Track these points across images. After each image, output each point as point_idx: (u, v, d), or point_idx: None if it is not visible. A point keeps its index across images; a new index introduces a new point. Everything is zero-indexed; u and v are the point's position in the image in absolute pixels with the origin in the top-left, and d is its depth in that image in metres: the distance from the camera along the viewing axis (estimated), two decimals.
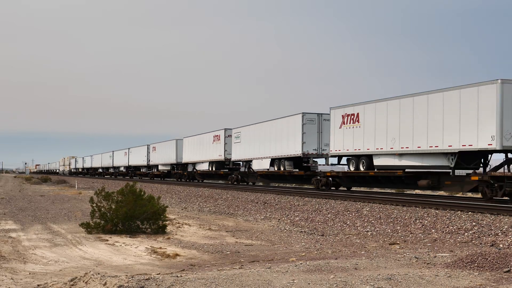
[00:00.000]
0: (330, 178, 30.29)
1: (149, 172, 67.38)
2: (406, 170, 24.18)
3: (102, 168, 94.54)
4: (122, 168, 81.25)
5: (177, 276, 8.13)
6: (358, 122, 27.09)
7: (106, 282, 7.52)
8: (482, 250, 11.02)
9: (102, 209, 15.65)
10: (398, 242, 13.81)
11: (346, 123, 28.05)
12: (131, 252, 12.35)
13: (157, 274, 8.41)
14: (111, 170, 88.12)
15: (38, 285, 8.47)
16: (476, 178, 20.45)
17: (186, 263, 10.79)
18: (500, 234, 13.72)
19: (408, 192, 23.74)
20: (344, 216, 18.94)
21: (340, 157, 29.48)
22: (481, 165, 21.75)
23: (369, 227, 16.66)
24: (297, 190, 31.11)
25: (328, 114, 29.86)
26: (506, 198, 19.72)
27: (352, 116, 27.57)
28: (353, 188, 31.02)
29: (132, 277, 7.93)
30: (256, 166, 38.76)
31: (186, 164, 53.86)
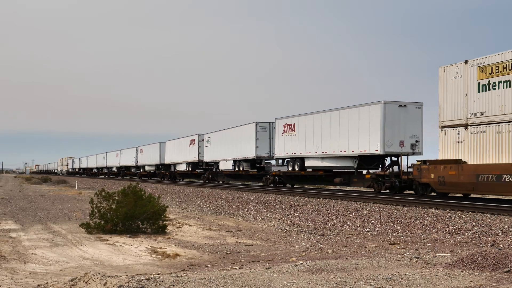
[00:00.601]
0: (276, 177, 36.77)
1: (137, 172, 73.76)
2: (325, 169, 30.93)
3: (97, 168, 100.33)
4: (114, 169, 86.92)
5: (177, 276, 8.13)
6: (294, 131, 33.48)
7: (106, 282, 7.52)
8: (482, 250, 11.02)
9: (102, 209, 15.65)
10: (398, 242, 13.81)
11: (286, 132, 34.56)
12: (131, 252, 12.36)
13: (157, 274, 8.41)
14: (105, 170, 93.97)
15: (38, 285, 8.47)
16: (368, 176, 26.96)
17: (186, 263, 10.79)
18: (500, 234, 13.72)
19: (408, 192, 25.12)
20: (345, 216, 18.95)
21: (283, 159, 35.55)
22: (380, 165, 27.38)
23: (369, 227, 16.67)
24: (296, 190, 31.21)
25: None
26: (388, 191, 25.57)
27: (290, 126, 34.05)
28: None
29: (132, 277, 7.93)
30: (222, 166, 44.71)
31: (169, 165, 59.80)
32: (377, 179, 26.08)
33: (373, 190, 26.40)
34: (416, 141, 26.00)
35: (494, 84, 19.15)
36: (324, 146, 30.13)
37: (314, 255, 11.54)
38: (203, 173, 49.80)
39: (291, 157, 34.04)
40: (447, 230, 14.91)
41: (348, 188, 33.40)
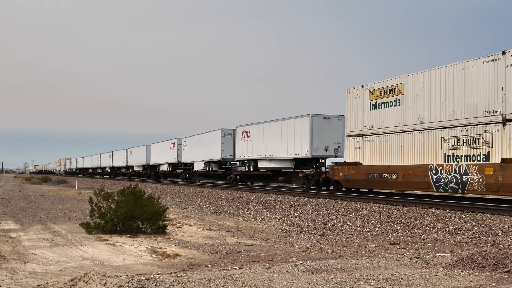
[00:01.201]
0: (238, 176, 43.12)
1: (127, 172, 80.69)
2: (272, 170, 36.92)
3: (92, 168, 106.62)
4: (107, 169, 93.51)
5: (177, 276, 8.13)
6: (250, 137, 39.86)
7: (106, 282, 7.52)
8: (482, 250, 11.02)
9: (102, 209, 15.64)
10: (398, 242, 13.81)
11: (244, 138, 40.86)
12: (131, 252, 12.35)
13: (157, 274, 8.41)
14: (99, 170, 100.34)
15: (38, 285, 8.47)
16: (301, 175, 33.05)
17: (186, 263, 10.79)
18: (500, 234, 13.72)
19: (408, 192, 25.57)
20: (344, 216, 18.94)
21: (242, 161, 42.01)
22: (314, 166, 32.58)
23: (369, 227, 16.67)
24: (296, 190, 31.24)
25: None
26: (314, 187, 31.25)
27: (247, 133, 40.36)
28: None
29: (132, 277, 7.93)
30: (196, 167, 51.50)
31: (154, 165, 66.72)
32: (307, 177, 32.17)
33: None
34: (338, 147, 32.27)
35: (379, 104, 24.92)
36: (271, 150, 36.50)
37: (314, 255, 11.54)
38: (182, 172, 56.65)
39: (247, 159, 40.54)
40: (447, 230, 14.91)
41: (288, 185, 39.28)
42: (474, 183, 19.55)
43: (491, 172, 18.75)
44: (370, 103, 25.46)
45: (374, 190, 27.66)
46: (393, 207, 19.79)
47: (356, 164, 26.04)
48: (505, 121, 18.52)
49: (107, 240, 14.03)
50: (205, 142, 48.37)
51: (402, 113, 23.47)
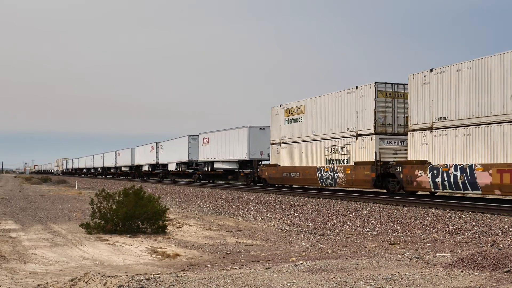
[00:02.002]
0: (201, 175, 51.14)
1: (116, 172, 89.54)
2: (224, 170, 45.18)
3: (86, 168, 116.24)
4: (99, 169, 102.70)
5: (177, 276, 8.13)
6: (208, 143, 48.11)
7: (106, 282, 7.52)
8: (482, 250, 11.02)
9: (102, 209, 15.65)
10: (398, 242, 13.81)
11: (204, 143, 49.09)
12: (131, 252, 12.35)
13: (157, 274, 8.41)
14: (92, 170, 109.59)
15: (38, 285, 8.47)
16: (242, 174, 40.88)
17: (186, 263, 10.79)
18: (500, 234, 13.72)
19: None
20: (344, 216, 18.94)
21: (203, 162, 49.58)
22: (252, 167, 40.00)
23: (369, 227, 16.67)
24: (295, 190, 31.24)
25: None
26: (252, 184, 38.99)
27: (206, 139, 48.62)
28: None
29: (132, 277, 7.92)
30: (170, 167, 60.10)
31: (138, 166, 75.86)
32: (247, 176, 39.98)
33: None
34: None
35: (290, 120, 32.78)
36: (222, 154, 44.90)
37: (314, 255, 11.54)
38: (159, 172, 65.66)
39: (207, 161, 48.63)
40: (447, 230, 14.91)
41: (238, 182, 45.06)
42: (340, 179, 27.04)
43: (349, 171, 26.36)
44: (285, 118, 33.29)
45: (286, 185, 35.26)
46: (393, 207, 19.79)
47: (276, 165, 34.08)
48: (357, 135, 26.08)
49: (107, 240, 14.03)
50: (176, 146, 57.79)
51: (303, 127, 31.03)
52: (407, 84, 23.52)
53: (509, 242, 12.72)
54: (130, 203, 15.57)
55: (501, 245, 12.49)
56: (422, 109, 22.20)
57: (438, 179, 20.64)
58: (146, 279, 7.72)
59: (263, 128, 40.66)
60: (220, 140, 45.44)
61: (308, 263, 9.63)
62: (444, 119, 21.12)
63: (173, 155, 58.24)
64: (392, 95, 25.40)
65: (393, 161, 24.53)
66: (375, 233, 15.64)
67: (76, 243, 13.43)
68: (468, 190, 19.59)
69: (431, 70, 21.80)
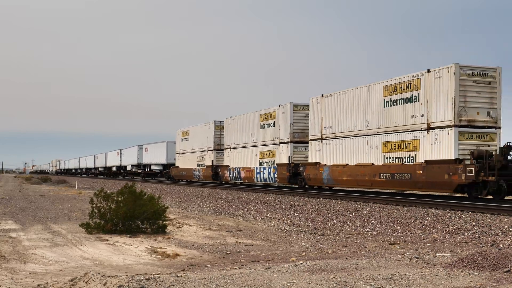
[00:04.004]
0: (144, 174, 69.22)
1: (95, 172, 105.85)
2: (155, 170, 64.37)
3: (74, 169, 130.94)
4: (84, 169, 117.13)
5: (177, 276, 8.13)
6: (148, 151, 68.65)
7: (106, 282, 7.52)
8: (482, 250, 11.02)
9: (102, 209, 15.64)
10: (398, 242, 13.81)
11: (145, 151, 69.85)
12: (131, 252, 12.35)
13: (157, 274, 8.41)
14: (79, 171, 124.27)
15: (38, 285, 8.47)
16: (164, 173, 61.90)
17: (186, 263, 10.79)
18: (500, 234, 13.72)
19: (408, 192, 25.76)
20: (344, 216, 18.94)
21: (145, 165, 69.08)
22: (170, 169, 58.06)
23: (369, 227, 16.66)
24: (295, 190, 31.23)
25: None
26: (169, 180, 57.10)
27: (147, 148, 69.33)
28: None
29: (132, 277, 7.92)
30: (128, 168, 77.11)
31: (109, 167, 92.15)
32: (166, 174, 58.82)
33: (169, 179, 51.38)
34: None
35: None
36: (155, 159, 65.05)
37: (314, 255, 11.53)
38: (122, 172, 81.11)
39: (146, 164, 68.83)
40: (447, 230, 14.91)
41: (163, 178, 62.84)
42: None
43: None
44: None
45: (185, 180, 52.79)
46: (393, 207, 19.78)
47: (177, 167, 53.77)
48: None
49: (107, 240, 14.03)
50: (131, 153, 75.17)
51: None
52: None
53: (509, 242, 12.71)
54: (129, 202, 15.56)
55: (501, 245, 12.49)
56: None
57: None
58: (146, 279, 7.72)
59: (174, 142, 57.05)
60: (153, 150, 66.37)
61: (308, 263, 9.63)
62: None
63: (129, 159, 77.00)
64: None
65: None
66: (375, 233, 15.63)
67: (76, 243, 13.43)
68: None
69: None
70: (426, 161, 21.71)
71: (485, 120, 21.15)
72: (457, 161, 20.36)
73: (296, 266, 9.26)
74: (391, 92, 24.04)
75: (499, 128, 21.26)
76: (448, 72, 21.00)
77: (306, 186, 31.16)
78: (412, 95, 22.71)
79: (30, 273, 9.66)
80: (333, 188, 31.11)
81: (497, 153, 20.02)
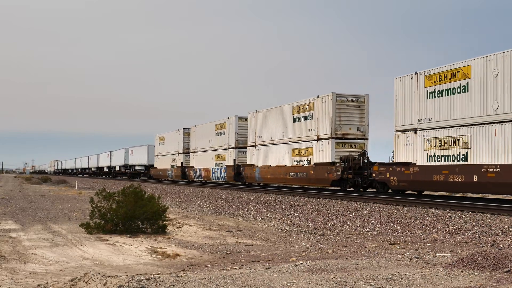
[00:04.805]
0: (130, 174, 76.37)
1: (88, 172, 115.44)
2: (139, 170, 74.01)
3: (70, 169, 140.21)
4: (79, 170, 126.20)
5: (178, 276, 8.13)
6: (132, 153, 76.92)
7: (106, 282, 7.52)
8: (483, 250, 11.02)
9: (102, 209, 15.64)
10: (398, 242, 13.81)
11: (130, 153, 77.87)
12: (131, 252, 12.35)
13: (157, 274, 8.41)
14: (74, 171, 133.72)
15: (39, 285, 8.47)
16: (145, 173, 70.95)
17: (186, 263, 10.79)
18: (500, 234, 13.72)
19: (408, 192, 25.79)
20: (345, 216, 18.94)
21: (131, 166, 77.19)
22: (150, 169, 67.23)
23: (369, 227, 16.66)
24: (295, 190, 31.25)
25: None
26: (147, 178, 66.85)
27: (132, 150, 77.59)
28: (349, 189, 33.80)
29: (133, 277, 7.92)
30: (116, 168, 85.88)
31: (101, 168, 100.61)
32: (148, 174, 65.89)
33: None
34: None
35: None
36: (139, 161, 73.14)
37: (314, 255, 11.54)
38: (112, 172, 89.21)
39: (131, 165, 76.72)
40: (447, 230, 14.91)
41: (145, 177, 71.29)
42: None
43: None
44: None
45: (163, 179, 60.54)
46: (393, 207, 19.78)
47: (156, 168, 61.69)
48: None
49: (107, 240, 14.03)
50: (119, 155, 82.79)
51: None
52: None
53: (509, 242, 12.72)
54: (129, 203, 15.57)
55: (501, 245, 12.49)
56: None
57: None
58: (146, 279, 7.72)
59: (153, 145, 65.49)
60: (137, 152, 74.10)
61: (308, 263, 9.63)
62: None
63: (118, 161, 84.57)
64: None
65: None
66: (375, 233, 15.64)
67: (76, 243, 13.43)
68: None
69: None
70: (315, 163, 29.80)
71: (356, 133, 29.09)
72: (332, 164, 28.18)
73: (296, 266, 9.26)
74: (297, 111, 32.22)
75: (367, 139, 29.21)
76: (329, 98, 28.90)
77: (246, 183, 38.97)
78: (309, 114, 30.98)
79: (30, 273, 9.66)
80: (261, 184, 38.07)
81: (355, 157, 27.09)
